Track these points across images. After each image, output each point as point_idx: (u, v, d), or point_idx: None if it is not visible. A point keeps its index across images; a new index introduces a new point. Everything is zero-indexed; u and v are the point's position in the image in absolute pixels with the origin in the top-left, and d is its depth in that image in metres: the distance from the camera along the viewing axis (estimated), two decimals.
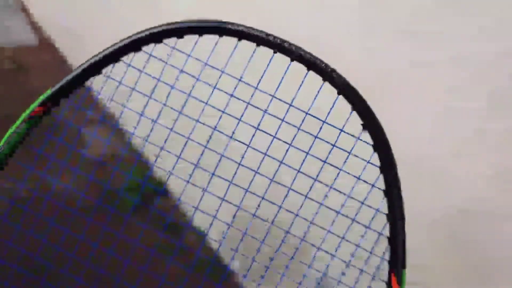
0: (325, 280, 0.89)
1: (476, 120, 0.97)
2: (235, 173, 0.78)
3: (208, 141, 0.78)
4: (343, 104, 0.58)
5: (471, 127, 0.97)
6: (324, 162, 0.64)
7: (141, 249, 1.25)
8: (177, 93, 0.72)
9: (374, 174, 0.59)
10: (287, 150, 0.70)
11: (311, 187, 0.69)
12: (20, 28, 1.88)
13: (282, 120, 0.65)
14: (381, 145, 0.56)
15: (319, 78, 0.57)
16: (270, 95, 0.64)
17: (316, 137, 0.65)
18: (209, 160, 1.40)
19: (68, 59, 1.75)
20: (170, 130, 0.75)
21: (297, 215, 0.79)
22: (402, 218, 0.56)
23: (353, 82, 0.56)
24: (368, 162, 0.58)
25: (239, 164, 0.73)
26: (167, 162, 1.49)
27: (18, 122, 0.64)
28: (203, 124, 0.76)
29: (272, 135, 0.69)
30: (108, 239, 1.10)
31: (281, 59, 0.57)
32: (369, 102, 0.56)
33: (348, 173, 0.64)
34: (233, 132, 0.72)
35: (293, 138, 0.68)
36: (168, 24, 0.58)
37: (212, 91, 0.69)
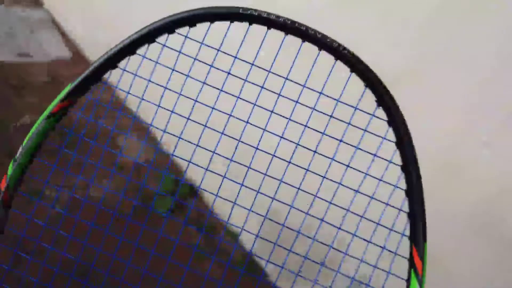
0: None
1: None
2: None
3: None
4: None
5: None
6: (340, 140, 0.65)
7: (178, 249, 1.28)
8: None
9: (390, 151, 0.58)
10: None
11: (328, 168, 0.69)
12: (54, 43, 1.96)
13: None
14: (397, 120, 0.55)
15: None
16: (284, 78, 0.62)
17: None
18: (241, 159, 1.42)
19: None
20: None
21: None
22: (420, 192, 0.55)
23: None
24: (384, 138, 0.58)
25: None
26: (199, 163, 1.53)
27: (40, 118, 0.62)
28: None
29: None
30: (147, 240, 1.13)
31: (292, 42, 0.56)
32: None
33: (365, 151, 0.63)
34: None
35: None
36: (181, 12, 0.57)
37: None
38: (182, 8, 0.58)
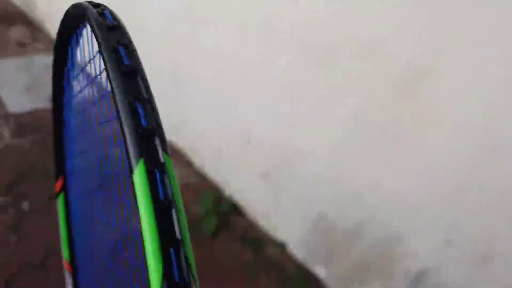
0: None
1: None
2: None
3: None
4: None
5: None
6: None
7: (231, 268, 1.27)
8: None
9: None
10: None
11: None
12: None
13: None
14: None
15: None
16: None
17: None
18: (280, 168, 1.41)
19: None
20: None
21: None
22: None
23: None
24: None
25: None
26: (239, 179, 1.53)
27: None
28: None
29: None
30: (199, 261, 1.13)
31: None
32: None
33: None
34: None
35: None
36: None
37: None
38: None
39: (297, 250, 1.43)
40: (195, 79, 1.55)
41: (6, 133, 1.73)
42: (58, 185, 0.51)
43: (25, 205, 1.45)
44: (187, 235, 0.25)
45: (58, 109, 0.49)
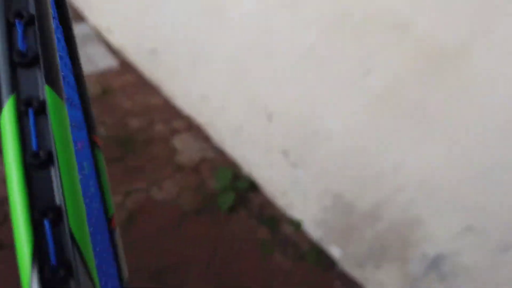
0: None
1: None
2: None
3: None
4: None
5: None
6: None
7: (245, 244, 1.28)
8: None
9: None
10: None
11: None
12: (101, 55, 2.02)
13: None
14: None
15: None
16: None
17: None
18: (300, 146, 1.40)
19: (149, 77, 1.85)
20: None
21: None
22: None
23: None
24: None
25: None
26: (257, 156, 1.52)
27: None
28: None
29: None
30: (214, 236, 1.14)
31: None
32: None
33: None
34: None
35: None
36: None
37: None
38: None
39: (313, 229, 1.42)
40: (217, 53, 1.53)
41: None
42: None
43: None
44: (78, 203, 0.18)
45: None
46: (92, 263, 0.18)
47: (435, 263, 1.13)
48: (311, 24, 1.20)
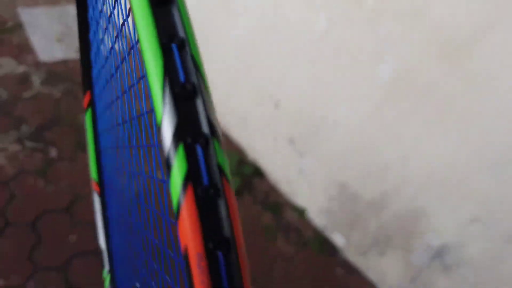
0: None
1: None
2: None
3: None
4: None
5: None
6: None
7: (249, 228, 1.27)
8: None
9: None
10: None
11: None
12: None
13: None
14: None
15: None
16: None
17: None
18: (306, 135, 1.39)
19: None
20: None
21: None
22: None
23: None
24: None
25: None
26: (263, 143, 1.52)
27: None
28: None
29: None
30: None
31: None
32: None
33: None
34: None
35: None
36: None
37: None
38: None
39: (317, 217, 1.41)
40: (223, 39, 1.53)
41: (37, 81, 1.75)
42: (86, 100, 0.50)
43: (53, 151, 1.48)
44: (193, 35, 0.20)
45: (84, 25, 0.48)
46: (204, 77, 0.20)
47: (439, 254, 1.11)
48: (322, 10, 1.19)
